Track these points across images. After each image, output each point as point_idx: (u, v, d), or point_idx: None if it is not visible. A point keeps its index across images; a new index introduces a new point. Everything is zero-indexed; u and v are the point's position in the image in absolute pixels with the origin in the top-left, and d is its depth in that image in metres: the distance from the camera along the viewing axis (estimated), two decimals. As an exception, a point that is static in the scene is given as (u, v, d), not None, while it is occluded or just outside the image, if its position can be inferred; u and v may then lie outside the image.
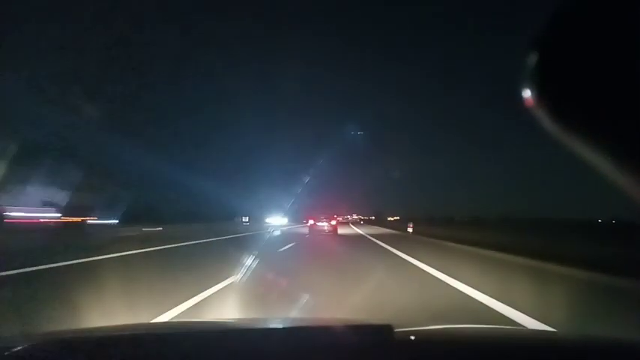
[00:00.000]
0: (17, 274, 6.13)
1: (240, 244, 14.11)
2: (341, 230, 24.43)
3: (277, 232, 22.94)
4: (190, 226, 27.95)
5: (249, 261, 7.61)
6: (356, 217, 75.31)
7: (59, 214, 22.60)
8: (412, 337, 1.24)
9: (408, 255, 9.72)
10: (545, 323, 3.50)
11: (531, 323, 3.62)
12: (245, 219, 45.26)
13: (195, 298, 4.46)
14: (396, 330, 1.16)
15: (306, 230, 22.64)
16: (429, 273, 6.90)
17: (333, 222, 22.37)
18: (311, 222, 22.47)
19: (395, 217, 76.60)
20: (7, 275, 6.01)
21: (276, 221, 37.65)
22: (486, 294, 4.83)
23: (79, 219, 23.58)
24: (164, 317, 3.63)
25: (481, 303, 4.51)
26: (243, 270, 6.59)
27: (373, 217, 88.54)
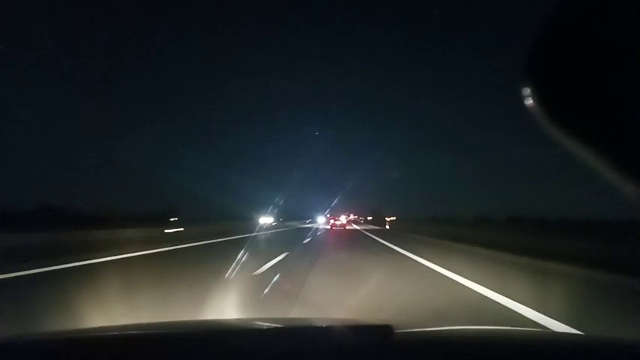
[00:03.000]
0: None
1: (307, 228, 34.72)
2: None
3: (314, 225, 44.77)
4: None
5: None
6: (354, 217, 75.51)
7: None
8: (412, 338, 1.24)
9: (381, 238, 18.05)
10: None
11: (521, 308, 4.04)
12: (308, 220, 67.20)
13: (308, 237, 18.92)
14: (397, 331, 1.16)
15: (327, 226, 40.99)
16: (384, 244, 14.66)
17: (344, 221, 42.77)
18: (331, 221, 41.97)
19: (391, 218, 77.69)
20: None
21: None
22: (418, 255, 9.50)
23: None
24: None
25: (411, 258, 9.25)
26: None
27: (370, 218, 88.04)
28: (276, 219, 43.30)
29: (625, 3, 0.67)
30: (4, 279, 5.81)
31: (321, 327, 1.57)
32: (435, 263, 7.81)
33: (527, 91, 0.71)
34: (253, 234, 20.73)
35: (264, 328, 1.53)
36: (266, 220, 36.53)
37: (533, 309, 3.86)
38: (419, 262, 8.29)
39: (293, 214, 78.27)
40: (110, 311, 3.82)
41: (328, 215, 53.17)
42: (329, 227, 37.67)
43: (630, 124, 0.64)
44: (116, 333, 1.38)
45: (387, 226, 38.96)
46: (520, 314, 3.79)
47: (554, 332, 2.89)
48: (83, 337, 1.32)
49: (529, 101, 0.71)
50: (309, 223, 58.73)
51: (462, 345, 1.18)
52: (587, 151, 0.68)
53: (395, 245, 13.18)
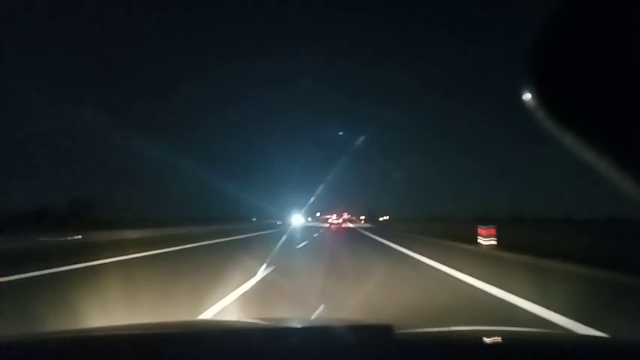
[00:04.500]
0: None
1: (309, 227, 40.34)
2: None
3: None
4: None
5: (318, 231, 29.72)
6: (347, 217, 75.60)
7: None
8: (412, 339, 1.24)
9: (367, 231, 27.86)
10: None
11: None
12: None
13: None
14: (397, 331, 1.16)
15: (325, 225, 45.93)
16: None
17: (340, 220, 49.38)
18: (330, 220, 48.49)
19: (385, 217, 79.00)
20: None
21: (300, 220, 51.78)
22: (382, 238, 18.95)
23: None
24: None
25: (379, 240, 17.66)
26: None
27: (363, 217, 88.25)
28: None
29: (625, 3, 0.68)
30: None
31: (321, 327, 1.57)
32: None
33: (528, 89, 0.72)
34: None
35: (264, 328, 1.53)
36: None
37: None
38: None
39: (265, 212, 71.48)
40: None
41: (318, 214, 57.34)
42: (323, 230, 32.96)
43: (631, 123, 0.65)
44: (116, 333, 1.38)
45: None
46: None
47: (576, 334, 2.82)
48: (83, 337, 1.32)
49: (530, 100, 0.72)
50: (279, 225, 43.97)
51: (463, 345, 1.18)
52: (589, 150, 0.68)
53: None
